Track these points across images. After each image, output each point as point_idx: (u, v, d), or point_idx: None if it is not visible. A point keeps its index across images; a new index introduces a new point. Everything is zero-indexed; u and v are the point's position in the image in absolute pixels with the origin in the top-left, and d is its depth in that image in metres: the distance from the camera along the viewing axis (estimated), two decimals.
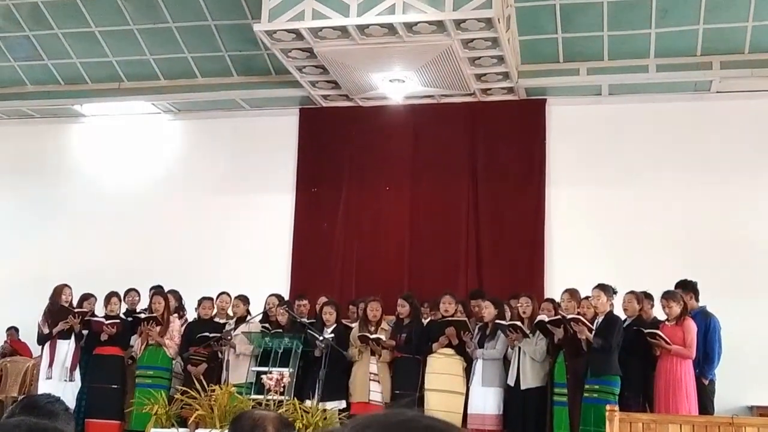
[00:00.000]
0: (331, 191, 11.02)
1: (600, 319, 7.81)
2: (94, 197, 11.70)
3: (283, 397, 7.12)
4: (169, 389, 8.52)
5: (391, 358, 8.62)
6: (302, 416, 6.42)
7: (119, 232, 11.40)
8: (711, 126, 10.19)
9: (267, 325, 9.15)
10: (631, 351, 7.75)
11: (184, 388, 7.09)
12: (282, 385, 7.24)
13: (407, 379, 8.40)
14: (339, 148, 11.07)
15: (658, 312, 8.12)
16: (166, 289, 9.52)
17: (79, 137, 12.28)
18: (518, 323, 8.12)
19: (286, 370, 7.83)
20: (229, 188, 11.36)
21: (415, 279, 10.34)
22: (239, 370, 8.67)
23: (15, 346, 10.90)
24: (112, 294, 9.30)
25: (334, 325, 8.78)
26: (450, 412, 7.93)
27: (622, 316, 8.03)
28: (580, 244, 10.16)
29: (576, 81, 10.24)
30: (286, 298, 9.81)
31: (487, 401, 8.14)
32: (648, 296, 8.23)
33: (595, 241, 10.13)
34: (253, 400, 7.19)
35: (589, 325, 7.72)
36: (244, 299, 9.21)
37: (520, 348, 8.10)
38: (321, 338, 8.40)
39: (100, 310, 9.37)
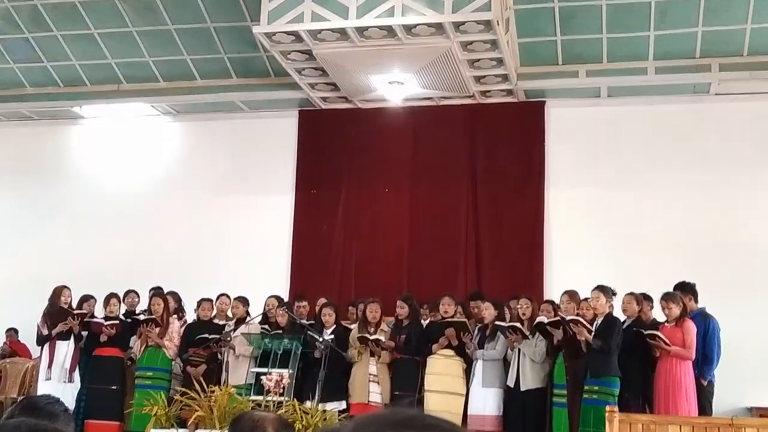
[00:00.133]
0: (331, 193, 11.02)
1: (599, 320, 7.81)
2: (93, 199, 11.70)
3: (282, 398, 7.12)
4: (168, 390, 8.52)
5: (390, 359, 8.62)
6: (302, 417, 6.42)
7: (119, 234, 11.40)
8: (710, 128, 10.20)
9: (266, 326, 9.16)
10: (631, 352, 7.76)
11: (184, 389, 7.09)
12: (281, 386, 7.24)
13: (406, 380, 8.40)
14: (338, 150, 11.08)
15: (657, 313, 8.13)
16: (165, 291, 9.53)
17: (78, 139, 12.29)
18: (518, 325, 8.12)
19: (285, 371, 7.83)
20: (228, 190, 11.37)
21: (414, 280, 10.34)
22: (239, 371, 8.66)
23: (14, 348, 10.91)
24: (112, 295, 9.30)
25: (334, 327, 8.78)
26: (450, 413, 7.92)
27: (622, 318, 8.03)
28: (579, 245, 10.17)
29: (575, 83, 10.26)
30: (286, 299, 9.81)
31: (487, 402, 8.14)
32: (647, 297, 8.24)
33: (595, 243, 10.14)
34: (253, 401, 7.19)
35: (589, 326, 7.72)
36: (243, 300, 9.21)
37: (519, 349, 8.11)
38: (320, 339, 8.40)
39: (99, 311, 9.37)
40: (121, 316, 9.36)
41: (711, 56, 9.75)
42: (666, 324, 7.84)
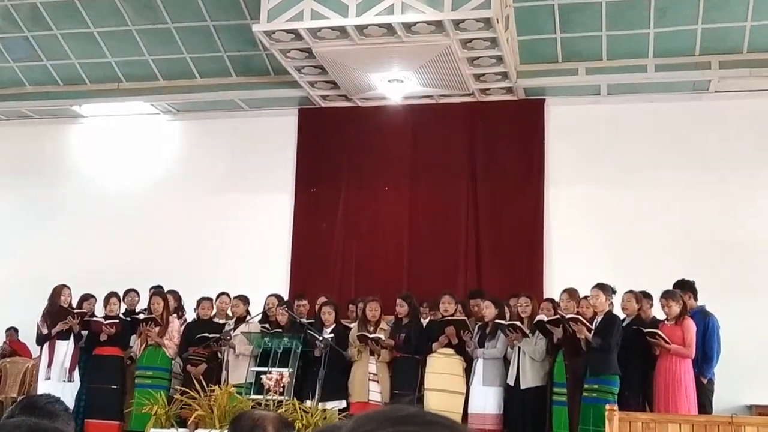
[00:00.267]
0: (330, 191, 11.02)
1: (599, 318, 7.81)
2: (93, 198, 11.70)
3: (282, 397, 7.12)
4: (168, 389, 8.52)
5: (390, 357, 8.62)
6: (302, 416, 6.43)
7: (118, 233, 11.40)
8: (709, 125, 10.20)
9: (266, 325, 9.15)
10: (631, 350, 7.75)
11: (184, 389, 7.10)
12: (281, 385, 7.24)
13: (406, 379, 8.40)
14: (338, 148, 11.08)
15: (657, 311, 8.12)
16: (165, 290, 9.53)
17: (78, 138, 12.28)
18: (518, 323, 8.12)
19: (285, 370, 7.83)
20: (228, 188, 11.36)
21: (414, 279, 10.34)
22: (239, 370, 8.66)
23: (14, 347, 10.90)
24: (112, 294, 9.29)
25: (334, 325, 8.78)
26: (450, 411, 7.91)
27: (621, 316, 8.03)
28: (579, 243, 10.17)
29: (575, 81, 10.25)
30: (286, 298, 9.81)
31: (487, 401, 8.14)
32: (647, 296, 8.24)
33: (594, 241, 10.14)
34: (253, 400, 7.20)
35: (588, 324, 7.72)
36: (243, 299, 9.21)
37: (519, 348, 8.11)
38: (320, 338, 8.40)
39: (99, 310, 9.37)
40: (121, 316, 9.34)
41: (711, 53, 9.74)
42: (666, 322, 7.83)
